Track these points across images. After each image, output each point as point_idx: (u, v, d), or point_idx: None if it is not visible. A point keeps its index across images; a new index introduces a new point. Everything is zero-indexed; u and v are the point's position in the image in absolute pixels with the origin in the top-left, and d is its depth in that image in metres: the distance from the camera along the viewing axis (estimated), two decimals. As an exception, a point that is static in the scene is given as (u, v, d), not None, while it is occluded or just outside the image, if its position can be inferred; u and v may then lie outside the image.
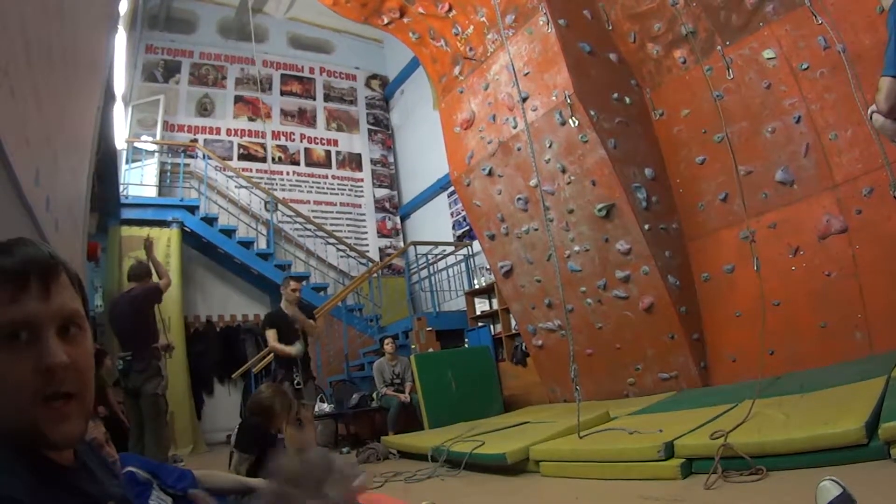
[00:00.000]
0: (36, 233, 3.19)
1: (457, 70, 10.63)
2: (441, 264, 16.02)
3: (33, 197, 2.97)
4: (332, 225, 18.23)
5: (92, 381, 1.44)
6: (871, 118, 4.16)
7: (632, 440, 5.59)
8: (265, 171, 17.90)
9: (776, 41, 7.55)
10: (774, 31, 7.56)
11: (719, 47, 8.11)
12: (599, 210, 8.59)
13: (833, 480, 3.05)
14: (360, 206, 19.41)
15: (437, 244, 16.03)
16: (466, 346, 13.44)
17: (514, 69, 8.07)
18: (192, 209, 15.12)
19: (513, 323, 11.94)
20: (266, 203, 16.90)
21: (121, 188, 13.63)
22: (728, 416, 5.61)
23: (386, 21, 11.16)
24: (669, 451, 5.03)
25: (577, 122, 8.45)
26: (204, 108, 17.70)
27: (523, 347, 11.56)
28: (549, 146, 8.91)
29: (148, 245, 8.68)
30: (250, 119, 18.39)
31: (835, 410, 4.68)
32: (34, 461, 1.29)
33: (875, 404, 4.43)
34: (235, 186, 16.67)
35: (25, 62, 2.68)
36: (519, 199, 9.67)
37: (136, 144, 15.99)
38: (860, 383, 5.47)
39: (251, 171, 17.64)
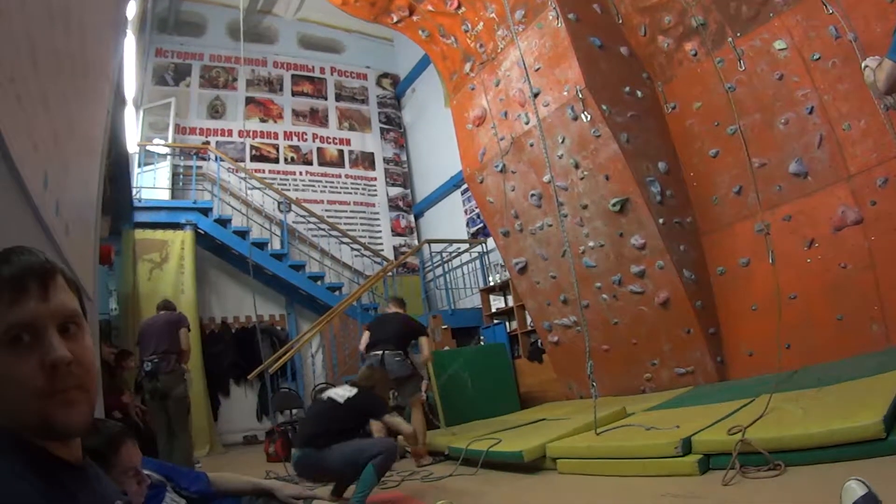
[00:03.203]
0: (45, 237, 3.17)
1: (468, 67, 10.61)
2: (456, 262, 15.99)
3: (42, 202, 2.95)
4: (345, 224, 18.25)
5: (96, 376, 1.48)
6: (863, 69, 4.14)
7: (649, 436, 5.56)
8: (278, 172, 17.97)
9: (787, 32, 7.49)
10: (785, 22, 7.50)
11: (730, 39, 8.05)
12: (613, 205, 8.56)
13: (859, 480, 3.02)
14: (373, 204, 19.42)
15: (451, 242, 16.00)
16: (482, 343, 13.43)
17: (524, 65, 8.06)
18: (206, 211, 15.15)
19: (528, 319, 11.93)
20: (279, 203, 16.93)
21: (133, 191, 13.65)
22: (745, 411, 5.58)
23: (395, 19, 11.15)
24: (687, 447, 5.01)
25: (589, 117, 8.42)
26: (215, 111, 17.74)
27: (539, 344, 11.54)
28: (562, 141, 8.89)
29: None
30: (262, 120, 18.44)
31: (852, 405, 4.65)
32: (44, 462, 1.32)
33: (893, 398, 4.38)
34: (248, 188, 16.66)
35: (32, 68, 2.67)
36: (532, 195, 9.64)
37: (148, 148, 16.07)
38: (878, 376, 5.44)
39: (264, 171, 17.70)
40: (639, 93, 8.97)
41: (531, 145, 9.37)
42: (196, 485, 3.13)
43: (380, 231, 19.23)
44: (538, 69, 9.02)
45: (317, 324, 14.16)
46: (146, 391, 8.56)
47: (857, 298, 7.03)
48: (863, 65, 4.16)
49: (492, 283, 14.14)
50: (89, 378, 1.42)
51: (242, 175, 16.69)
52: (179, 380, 8.34)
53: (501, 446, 6.85)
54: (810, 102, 7.36)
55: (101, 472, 1.60)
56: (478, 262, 15.38)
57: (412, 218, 20.03)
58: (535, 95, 8.76)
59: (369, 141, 20.11)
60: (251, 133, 18.12)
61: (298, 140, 18.83)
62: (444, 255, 15.91)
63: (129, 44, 9.25)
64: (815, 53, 7.25)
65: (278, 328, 16.05)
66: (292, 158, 18.52)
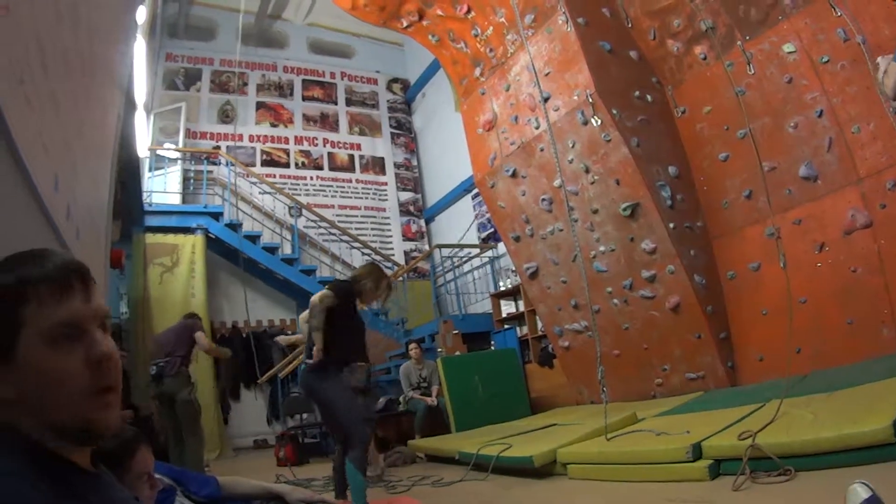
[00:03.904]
0: (56, 241, 3.18)
1: (477, 71, 10.62)
2: (466, 267, 15.96)
3: (53, 205, 2.96)
4: (356, 229, 18.26)
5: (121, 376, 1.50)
6: (877, 63, 4.14)
7: (659, 442, 5.57)
8: (289, 177, 18.01)
9: (796, 35, 7.48)
10: (794, 25, 7.49)
11: (739, 42, 8.04)
12: (624, 209, 8.55)
13: (863, 483, 3.02)
14: (384, 209, 19.45)
15: (462, 247, 16.00)
16: (493, 348, 13.43)
17: (534, 69, 8.02)
18: (217, 216, 15.20)
19: (539, 325, 11.95)
20: (290, 208, 16.96)
21: (144, 196, 13.71)
22: (756, 416, 5.58)
23: (405, 24, 11.16)
24: (697, 452, 5.02)
25: (599, 122, 8.42)
26: (226, 115, 17.79)
27: (550, 349, 11.53)
28: (572, 146, 8.89)
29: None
30: (272, 125, 18.49)
31: (862, 409, 4.64)
32: (58, 467, 1.32)
33: (903, 402, 4.39)
34: (259, 192, 16.76)
35: (41, 70, 2.68)
36: (543, 199, 9.64)
37: (158, 152, 16.15)
38: (888, 381, 5.41)
39: (275, 176, 17.73)
40: (648, 97, 8.97)
41: (541, 150, 9.36)
42: (205, 489, 3.14)
43: (390, 236, 19.26)
44: (548, 73, 9.02)
45: (328, 328, 14.11)
46: (154, 395, 8.59)
47: (867, 302, 6.99)
48: (877, 60, 4.16)
49: (503, 288, 14.13)
50: (119, 377, 1.44)
51: (253, 180, 16.73)
52: (184, 383, 8.32)
53: (512, 451, 6.85)
54: (819, 105, 7.34)
55: (113, 478, 1.61)
56: (488, 266, 15.35)
57: (423, 223, 20.04)
58: (546, 100, 8.75)
59: (380, 146, 20.15)
60: (262, 138, 18.19)
61: (309, 145, 18.88)
62: (454, 259, 15.88)
63: (140, 48, 9.27)
64: (824, 56, 7.23)
65: (289, 332, 16.02)
66: (303, 163, 18.56)
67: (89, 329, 1.38)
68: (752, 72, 7.95)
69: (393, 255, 18.68)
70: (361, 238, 17.91)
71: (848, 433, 4.21)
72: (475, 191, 15.71)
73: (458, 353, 12.63)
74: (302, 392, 6.67)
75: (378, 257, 17.70)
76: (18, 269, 1.36)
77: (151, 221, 14.30)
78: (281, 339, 9.12)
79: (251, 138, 17.93)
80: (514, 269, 12.07)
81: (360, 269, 6.38)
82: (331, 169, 18.98)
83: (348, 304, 6.04)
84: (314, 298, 5.80)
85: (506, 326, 13.57)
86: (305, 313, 6.27)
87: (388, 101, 20.91)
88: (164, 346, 8.49)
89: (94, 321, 1.40)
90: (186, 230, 14.71)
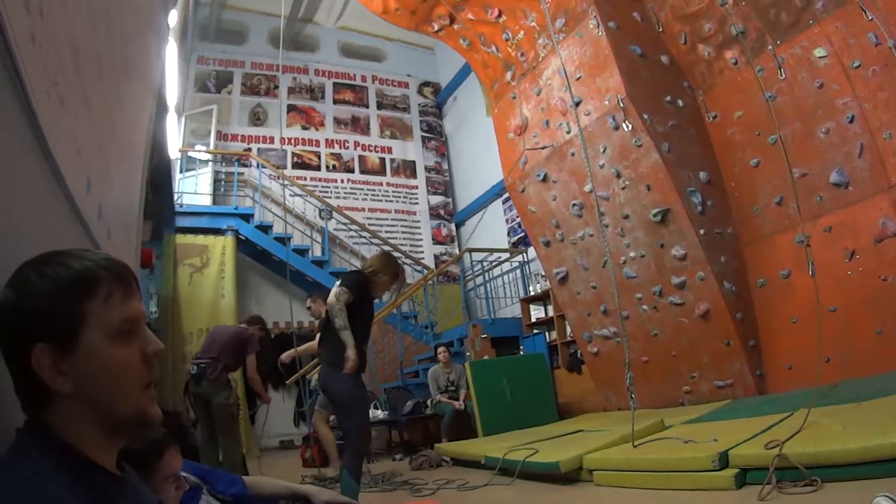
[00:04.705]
0: (88, 241, 3.19)
1: (509, 75, 10.61)
2: (496, 271, 15.88)
3: (85, 205, 2.97)
4: (386, 232, 18.32)
5: None
6: None
7: (686, 449, 5.51)
8: (319, 180, 18.09)
9: (827, 39, 7.42)
10: (825, 29, 7.43)
11: (770, 47, 7.98)
12: (654, 215, 8.51)
13: (887, 496, 2.99)
14: (414, 213, 19.50)
15: (492, 251, 15.95)
16: (521, 353, 13.41)
17: (565, 73, 7.98)
18: (247, 217, 15.32)
19: (568, 330, 11.85)
20: (321, 211, 17.00)
21: (175, 197, 13.83)
22: (783, 426, 5.52)
23: (436, 28, 11.18)
24: (724, 460, 4.97)
25: (630, 126, 8.38)
26: (257, 118, 17.95)
27: (578, 355, 11.47)
28: (603, 151, 8.85)
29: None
30: (303, 128, 18.59)
31: (892, 420, 4.58)
32: (91, 474, 1.35)
33: (934, 414, 4.33)
34: (290, 195, 16.81)
35: (75, 73, 2.70)
36: (574, 204, 9.61)
37: (189, 154, 16.31)
38: (919, 391, 5.37)
39: (305, 179, 17.84)
40: (680, 102, 8.92)
41: (572, 155, 9.33)
42: (232, 488, 3.14)
43: (420, 239, 19.30)
44: (579, 78, 9.00)
45: (356, 331, 14.11)
46: (190, 394, 8.57)
47: (897, 312, 6.92)
48: None
49: (532, 293, 14.10)
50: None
51: (284, 182, 16.78)
52: (223, 388, 8.30)
53: (538, 457, 6.81)
54: (851, 111, 7.26)
55: (138, 480, 1.67)
56: (518, 271, 15.29)
57: (453, 226, 20.07)
58: (577, 104, 8.71)
59: (411, 149, 20.21)
60: (293, 140, 18.30)
61: (340, 148, 18.97)
62: (484, 264, 15.84)
63: (171, 51, 9.33)
64: (856, 61, 7.17)
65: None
66: (334, 166, 18.66)
67: (142, 326, 1.48)
68: (783, 77, 7.89)
69: (423, 258, 18.71)
70: (392, 241, 17.92)
71: (877, 444, 4.15)
72: (506, 195, 15.70)
73: (486, 357, 12.61)
74: (319, 389, 6.67)
75: (408, 261, 17.69)
76: (74, 264, 1.41)
77: (182, 222, 14.45)
78: (284, 356, 9.12)
79: (282, 141, 18.04)
80: (543, 273, 12.02)
81: (374, 261, 6.30)
82: (361, 172, 19.08)
83: (362, 295, 6.02)
84: (331, 300, 5.79)
85: (535, 331, 13.50)
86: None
87: (419, 104, 20.99)
88: (212, 347, 8.46)
89: (144, 318, 1.50)
90: (217, 231, 14.83)
